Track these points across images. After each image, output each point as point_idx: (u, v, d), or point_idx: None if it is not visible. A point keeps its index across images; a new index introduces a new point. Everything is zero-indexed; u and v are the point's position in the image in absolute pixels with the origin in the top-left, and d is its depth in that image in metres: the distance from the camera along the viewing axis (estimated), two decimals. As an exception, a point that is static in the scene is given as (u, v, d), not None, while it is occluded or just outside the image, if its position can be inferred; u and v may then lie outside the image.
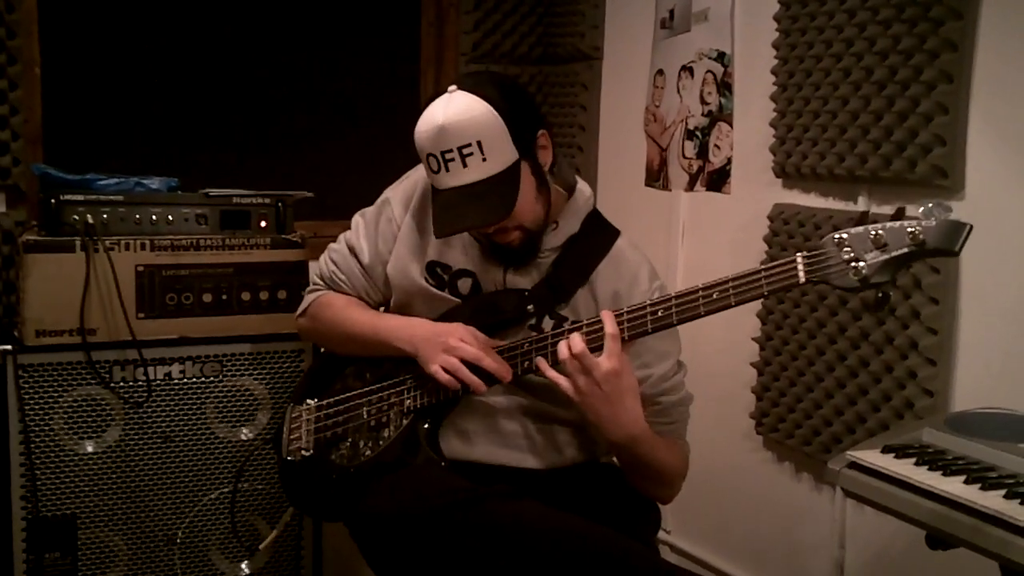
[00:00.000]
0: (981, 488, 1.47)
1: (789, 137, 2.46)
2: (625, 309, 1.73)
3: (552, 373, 1.76)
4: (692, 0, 2.86)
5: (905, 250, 1.47)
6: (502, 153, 1.78)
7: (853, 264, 1.50)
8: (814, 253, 1.54)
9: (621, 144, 3.22)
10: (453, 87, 1.81)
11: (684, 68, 2.90)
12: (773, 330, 2.55)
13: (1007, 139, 2.02)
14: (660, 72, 3.02)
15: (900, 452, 1.62)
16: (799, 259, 1.55)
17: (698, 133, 2.85)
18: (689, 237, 2.93)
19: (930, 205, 1.46)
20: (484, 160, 1.76)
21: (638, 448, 1.82)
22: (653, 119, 3.06)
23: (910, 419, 2.14)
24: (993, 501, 1.43)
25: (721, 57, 2.75)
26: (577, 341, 1.71)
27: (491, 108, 1.77)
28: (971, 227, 1.45)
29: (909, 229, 1.46)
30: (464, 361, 1.82)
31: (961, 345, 2.11)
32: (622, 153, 3.21)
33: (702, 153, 2.84)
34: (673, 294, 1.68)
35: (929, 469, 1.55)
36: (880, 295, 1.55)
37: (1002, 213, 2.02)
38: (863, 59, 2.24)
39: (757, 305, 2.59)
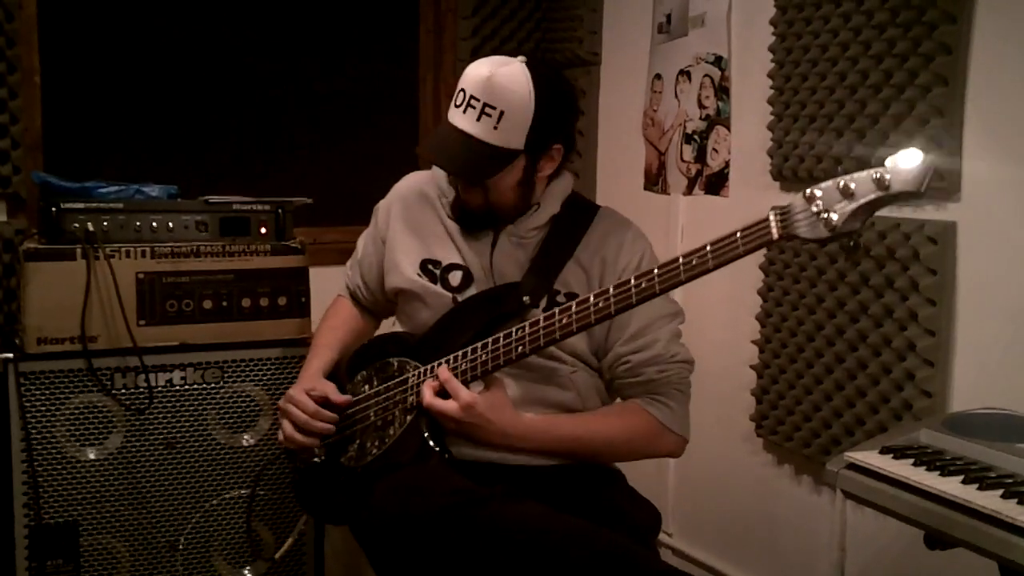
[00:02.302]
0: (979, 488, 1.48)
1: (786, 140, 2.47)
2: (611, 286, 1.74)
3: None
4: (689, 5, 2.87)
5: (872, 196, 1.50)
6: (513, 135, 1.85)
7: (823, 215, 1.52)
8: (785, 208, 1.57)
9: (620, 148, 3.23)
10: (521, 57, 1.89)
11: (682, 72, 2.91)
12: (772, 332, 2.55)
13: (1003, 141, 2.03)
14: (658, 76, 3.03)
15: (898, 453, 1.63)
16: (772, 216, 1.57)
17: (696, 137, 2.86)
18: (688, 240, 2.94)
19: (898, 152, 1.49)
20: (495, 128, 1.84)
21: (535, 444, 1.90)
22: (651, 123, 3.07)
23: (908, 420, 2.15)
24: (991, 501, 1.44)
25: (718, 61, 2.76)
26: (428, 396, 1.83)
27: (533, 96, 1.84)
28: (933, 168, 1.48)
29: (875, 176, 1.49)
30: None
31: (959, 346, 2.12)
32: (621, 157, 3.22)
33: (700, 157, 2.85)
34: (656, 267, 1.70)
35: (927, 469, 1.56)
36: (852, 243, 1.57)
37: (998, 215, 2.03)
38: (858, 63, 2.25)
39: (756, 307, 2.60)
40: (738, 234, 1.59)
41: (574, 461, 1.97)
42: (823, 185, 1.53)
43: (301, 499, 2.16)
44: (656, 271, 1.69)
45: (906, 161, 1.47)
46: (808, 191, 1.54)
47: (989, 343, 2.06)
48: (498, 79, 1.83)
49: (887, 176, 1.48)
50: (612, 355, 1.97)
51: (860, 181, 1.50)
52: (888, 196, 1.49)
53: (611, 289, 1.74)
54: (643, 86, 3.09)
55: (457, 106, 1.87)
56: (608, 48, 3.29)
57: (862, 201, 1.50)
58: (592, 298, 1.75)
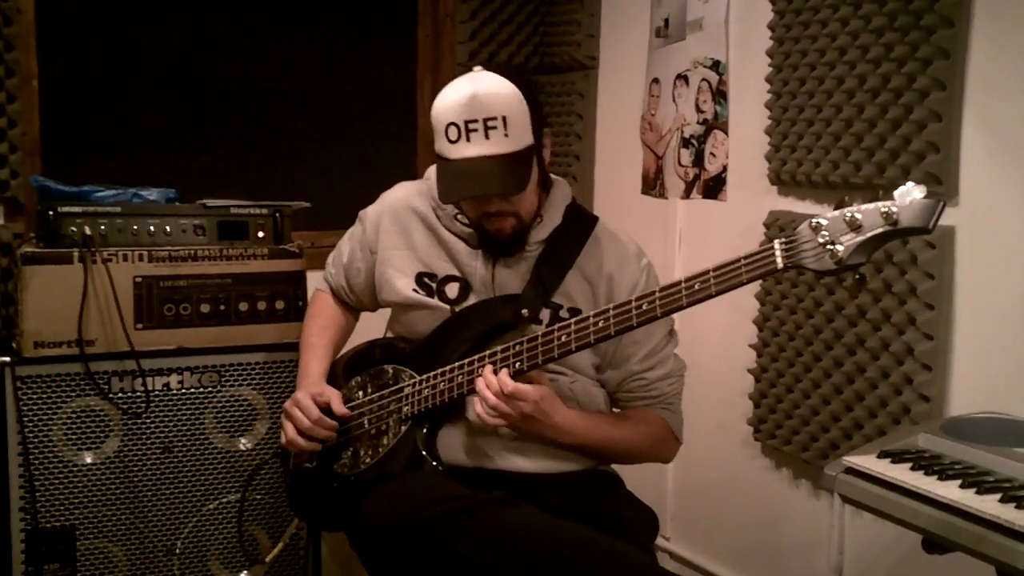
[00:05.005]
0: (977, 492, 1.48)
1: (784, 144, 2.47)
2: (611, 306, 1.75)
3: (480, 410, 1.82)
4: (687, 9, 2.87)
5: (880, 230, 1.49)
6: (522, 134, 1.84)
7: (829, 247, 1.52)
8: (790, 238, 1.56)
9: (617, 153, 3.23)
10: (478, 68, 1.87)
11: (679, 76, 2.91)
12: (770, 337, 2.55)
13: (1000, 145, 2.03)
14: (656, 81, 3.03)
15: (896, 457, 1.63)
16: (777, 245, 1.57)
17: (694, 141, 2.86)
18: (686, 245, 2.94)
19: (905, 187, 1.48)
20: (506, 136, 1.81)
21: (574, 440, 1.91)
22: (649, 127, 3.07)
23: (906, 424, 2.15)
24: (989, 505, 1.44)
25: (716, 65, 2.76)
26: (506, 381, 1.77)
27: (517, 90, 1.83)
28: (944, 204, 1.47)
29: (883, 209, 1.48)
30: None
31: (957, 350, 2.12)
32: (618, 161, 3.22)
33: (698, 161, 2.85)
34: (657, 288, 1.70)
35: (925, 474, 1.56)
36: (857, 276, 1.56)
37: (996, 219, 2.03)
38: (856, 67, 2.26)
39: (754, 311, 2.60)
40: (742, 261, 1.59)
41: (591, 459, 1.98)
42: (829, 215, 1.52)
43: (293, 504, 2.16)
44: (657, 294, 1.69)
45: (915, 196, 1.46)
46: (814, 221, 1.53)
47: (987, 347, 2.06)
48: (482, 91, 1.80)
49: (895, 210, 1.47)
50: (624, 371, 1.98)
51: (867, 214, 1.49)
52: (896, 231, 1.48)
53: (611, 309, 1.74)
54: (641, 90, 3.10)
55: (454, 141, 1.82)
56: (606, 52, 3.29)
57: (869, 235, 1.49)
58: (592, 318, 1.76)
